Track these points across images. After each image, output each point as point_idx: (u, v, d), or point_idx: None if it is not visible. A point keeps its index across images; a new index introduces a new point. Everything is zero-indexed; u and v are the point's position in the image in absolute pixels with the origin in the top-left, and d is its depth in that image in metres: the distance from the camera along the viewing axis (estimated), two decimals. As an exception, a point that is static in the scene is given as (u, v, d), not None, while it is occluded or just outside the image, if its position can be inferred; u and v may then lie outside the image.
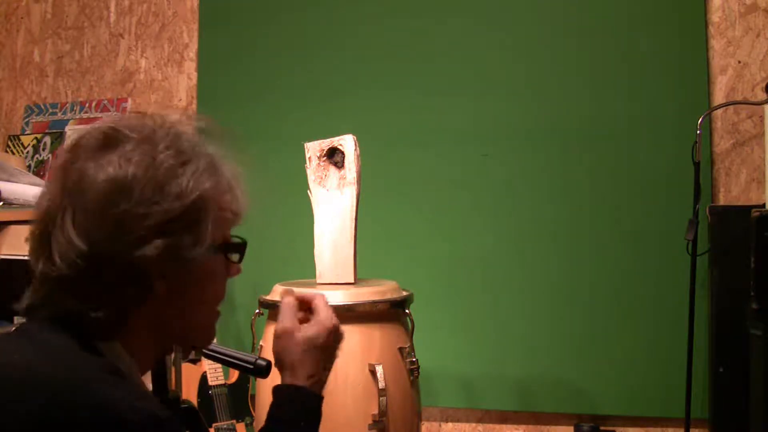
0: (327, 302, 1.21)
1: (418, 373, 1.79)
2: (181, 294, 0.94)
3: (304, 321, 1.19)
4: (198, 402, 2.47)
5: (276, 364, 1.18)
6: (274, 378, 1.17)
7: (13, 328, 0.99)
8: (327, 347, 1.17)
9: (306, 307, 1.21)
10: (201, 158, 0.93)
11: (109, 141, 0.90)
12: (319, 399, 1.15)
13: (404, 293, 1.86)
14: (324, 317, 1.18)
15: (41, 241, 0.90)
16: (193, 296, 0.97)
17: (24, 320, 0.96)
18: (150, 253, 0.87)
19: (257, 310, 1.85)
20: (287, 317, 1.18)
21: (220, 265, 1.00)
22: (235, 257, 1.01)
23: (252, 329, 1.87)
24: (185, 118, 0.98)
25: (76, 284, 0.88)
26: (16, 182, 2.61)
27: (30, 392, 0.82)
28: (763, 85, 2.30)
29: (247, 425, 2.53)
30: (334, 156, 1.93)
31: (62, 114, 3.19)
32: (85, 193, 0.87)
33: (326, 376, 1.18)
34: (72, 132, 3.07)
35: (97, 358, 0.89)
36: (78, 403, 0.81)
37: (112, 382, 0.85)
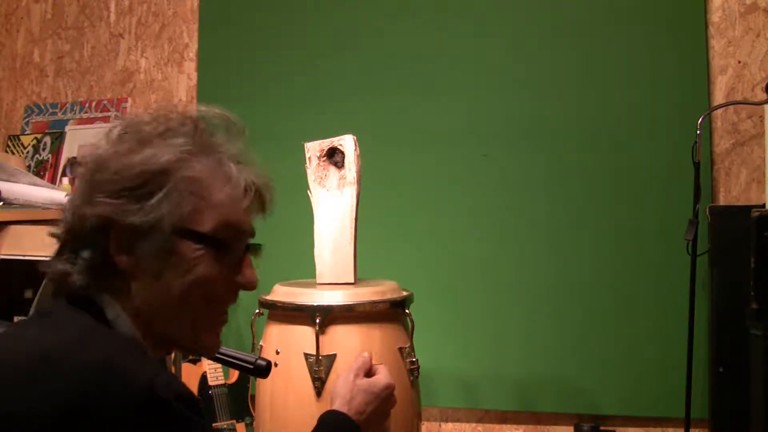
0: (389, 373, 1.44)
1: (418, 373, 1.79)
2: (155, 276, 0.95)
3: None
4: (198, 402, 2.47)
5: (332, 395, 1.36)
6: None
7: (33, 312, 1.02)
8: (378, 396, 1.36)
9: (370, 373, 1.43)
10: (187, 141, 0.98)
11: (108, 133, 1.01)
12: None
13: (404, 293, 1.85)
14: (384, 375, 1.40)
15: None
16: (167, 282, 0.95)
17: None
18: (100, 211, 0.92)
19: (257, 310, 1.85)
20: (358, 363, 1.41)
21: (194, 255, 0.95)
22: (198, 249, 0.95)
23: (252, 329, 1.86)
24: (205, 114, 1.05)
25: (64, 247, 0.97)
26: (16, 182, 2.61)
27: (53, 375, 0.83)
28: (763, 85, 2.30)
29: (247, 425, 2.53)
30: (334, 156, 1.93)
31: (62, 114, 3.19)
32: (81, 170, 0.99)
33: (370, 427, 1.34)
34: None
35: (117, 335, 0.93)
36: (106, 382, 0.82)
37: (136, 357, 0.88)
